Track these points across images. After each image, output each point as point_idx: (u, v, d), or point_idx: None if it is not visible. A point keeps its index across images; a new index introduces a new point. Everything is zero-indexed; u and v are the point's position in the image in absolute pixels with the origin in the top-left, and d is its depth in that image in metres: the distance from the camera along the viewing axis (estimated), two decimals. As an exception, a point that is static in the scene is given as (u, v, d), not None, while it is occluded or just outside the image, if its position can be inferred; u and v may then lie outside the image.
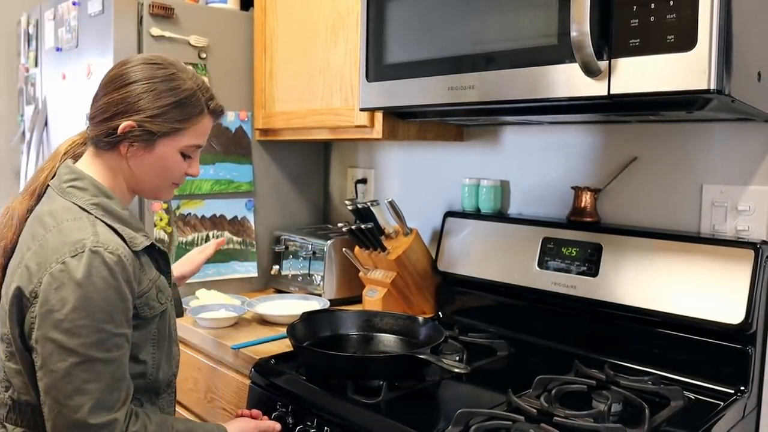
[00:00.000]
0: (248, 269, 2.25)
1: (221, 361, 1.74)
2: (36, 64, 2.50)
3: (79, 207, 1.15)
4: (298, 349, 1.45)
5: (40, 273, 1.07)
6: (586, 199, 1.68)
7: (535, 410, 1.22)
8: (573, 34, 1.15)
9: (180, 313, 1.55)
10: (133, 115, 1.15)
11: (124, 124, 1.15)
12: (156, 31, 1.97)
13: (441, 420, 1.25)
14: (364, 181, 2.41)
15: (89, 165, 1.22)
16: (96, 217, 1.14)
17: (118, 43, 1.93)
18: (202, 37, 2.08)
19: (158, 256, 1.25)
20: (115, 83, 1.18)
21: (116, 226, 1.15)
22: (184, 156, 1.23)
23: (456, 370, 1.29)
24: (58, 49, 2.27)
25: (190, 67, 1.25)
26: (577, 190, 1.70)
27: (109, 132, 1.17)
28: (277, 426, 1.35)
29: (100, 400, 1.05)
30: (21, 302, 1.09)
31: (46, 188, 1.22)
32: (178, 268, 1.60)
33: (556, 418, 1.18)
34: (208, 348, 1.78)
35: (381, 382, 1.34)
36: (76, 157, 1.26)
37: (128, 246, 1.14)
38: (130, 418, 1.10)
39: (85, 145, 1.26)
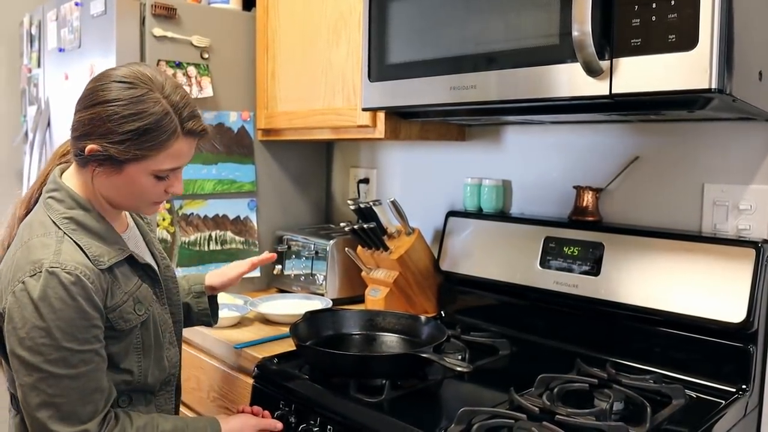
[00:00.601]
0: (251, 269, 2.25)
1: (224, 361, 1.75)
2: (39, 65, 2.51)
3: (52, 221, 1.15)
4: (301, 349, 1.46)
5: (7, 292, 1.10)
6: (588, 198, 1.68)
7: (537, 409, 1.22)
8: (575, 33, 1.16)
9: (208, 322, 1.56)
10: (97, 139, 1.12)
11: (89, 147, 1.12)
12: (158, 31, 1.98)
13: (444, 419, 1.26)
14: (366, 180, 2.41)
15: (72, 176, 1.22)
16: (65, 233, 1.14)
17: (121, 43, 1.93)
18: (204, 38, 2.08)
19: (138, 269, 1.24)
20: (87, 100, 1.15)
21: (84, 242, 1.14)
22: (159, 177, 1.18)
23: (459, 368, 1.30)
24: (60, 50, 2.27)
25: (174, 82, 1.18)
26: (579, 190, 1.70)
27: (78, 152, 1.15)
28: (279, 425, 1.35)
29: (69, 412, 1.07)
30: None
31: (39, 195, 1.24)
32: (209, 278, 1.59)
33: (558, 416, 1.19)
34: (211, 347, 1.78)
35: (384, 381, 1.34)
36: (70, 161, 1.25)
37: (93, 263, 1.13)
38: (108, 423, 1.12)
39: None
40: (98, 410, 1.10)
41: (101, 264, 1.15)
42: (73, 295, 1.08)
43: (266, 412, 1.39)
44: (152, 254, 1.34)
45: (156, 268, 1.29)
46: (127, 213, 1.34)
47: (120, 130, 1.11)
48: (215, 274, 1.60)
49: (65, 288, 1.07)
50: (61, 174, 1.23)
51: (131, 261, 1.22)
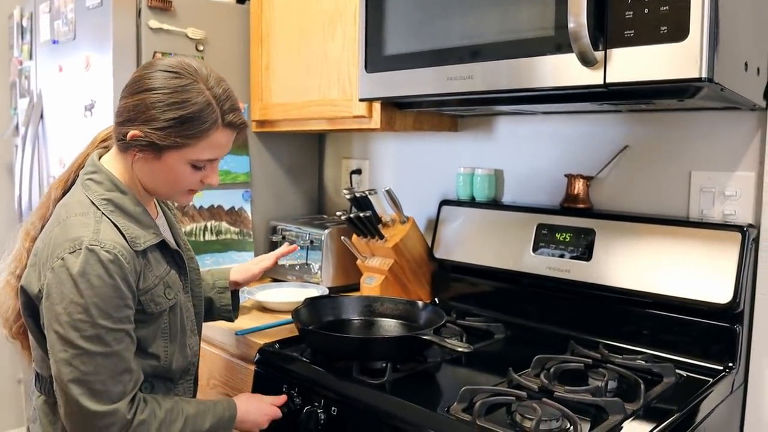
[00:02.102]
0: (246, 259, 2.28)
1: (224, 348, 1.77)
2: (30, 57, 2.51)
3: (91, 201, 1.19)
4: (304, 333, 1.49)
5: (45, 268, 1.12)
6: (579, 186, 1.73)
7: (536, 387, 1.27)
8: (570, 25, 1.20)
9: (229, 317, 1.60)
10: (140, 125, 1.16)
11: (131, 132, 1.17)
12: (154, 23, 1.99)
13: (446, 398, 1.30)
14: (358, 171, 2.45)
15: (111, 160, 1.25)
16: (103, 213, 1.17)
17: (117, 35, 1.95)
18: (199, 30, 2.10)
19: (168, 255, 1.28)
20: (132, 87, 1.19)
21: (121, 223, 1.18)
22: (196, 167, 1.22)
23: (459, 349, 1.34)
24: (54, 42, 2.28)
25: (218, 75, 1.22)
26: (570, 178, 1.75)
27: (121, 137, 1.20)
28: (283, 398, 1.41)
29: (100, 391, 1.09)
30: (30, 299, 1.16)
31: (76, 177, 1.27)
32: (233, 274, 1.62)
33: (556, 393, 1.24)
34: (210, 334, 1.81)
35: (385, 364, 1.38)
36: (109, 147, 1.29)
37: (129, 245, 1.16)
38: (138, 405, 1.14)
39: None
40: (126, 391, 1.13)
41: (137, 246, 1.18)
42: (111, 273, 1.11)
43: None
44: (177, 244, 1.37)
45: (183, 255, 1.33)
46: (156, 201, 1.36)
47: (162, 117, 1.15)
48: (239, 270, 1.63)
49: (104, 266, 1.10)
50: (99, 158, 1.26)
51: (162, 246, 1.26)
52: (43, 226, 1.24)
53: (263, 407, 1.37)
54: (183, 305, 1.30)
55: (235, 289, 1.62)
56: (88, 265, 1.09)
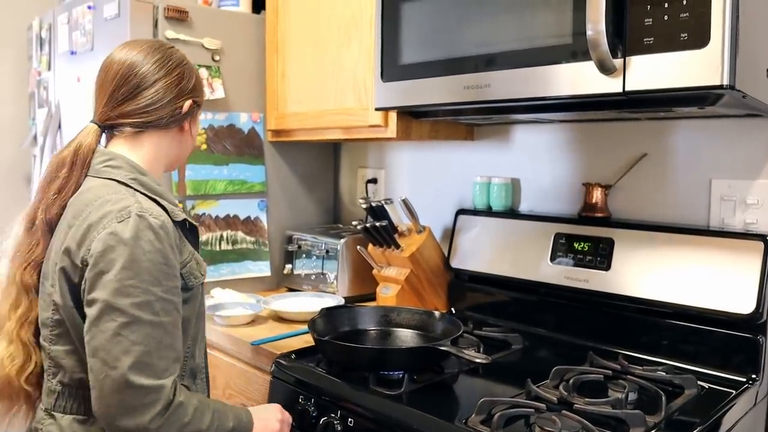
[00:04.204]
0: (261, 268, 2.28)
1: (239, 358, 1.77)
2: (49, 68, 2.53)
3: (117, 181, 1.19)
4: (320, 343, 1.48)
5: (89, 240, 1.10)
6: (597, 195, 1.72)
7: (555, 398, 1.25)
8: (589, 32, 1.19)
9: None
10: (189, 93, 1.28)
11: (188, 103, 1.28)
12: (171, 33, 2.01)
13: (463, 409, 1.28)
14: (374, 180, 2.44)
15: (120, 149, 1.26)
16: (135, 189, 1.19)
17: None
18: (215, 40, 2.11)
19: (188, 233, 1.28)
20: (167, 65, 1.25)
21: (156, 198, 1.20)
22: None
23: (478, 360, 1.33)
24: (72, 53, 2.30)
25: None
26: (588, 187, 1.73)
27: (174, 112, 1.27)
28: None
29: (147, 363, 1.06)
30: (71, 274, 1.12)
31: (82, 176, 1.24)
32: None
33: (576, 405, 1.22)
34: (226, 345, 1.81)
35: (401, 375, 1.37)
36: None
37: (168, 215, 1.18)
38: (176, 389, 1.10)
39: (107, 136, 1.28)
40: (170, 369, 1.09)
41: (176, 217, 1.21)
42: (160, 239, 1.11)
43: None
44: None
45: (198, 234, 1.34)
46: None
47: (197, 79, 1.32)
48: None
49: (154, 231, 1.11)
50: None
51: (182, 227, 1.25)
52: (40, 259, 1.21)
53: (275, 412, 1.33)
54: (202, 288, 1.30)
55: None
56: (140, 231, 1.09)
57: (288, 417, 1.35)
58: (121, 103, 1.23)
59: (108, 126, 1.26)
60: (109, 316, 1.06)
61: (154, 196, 1.20)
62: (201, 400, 1.16)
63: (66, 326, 1.15)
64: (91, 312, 1.07)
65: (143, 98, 1.23)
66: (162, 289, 1.10)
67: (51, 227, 1.22)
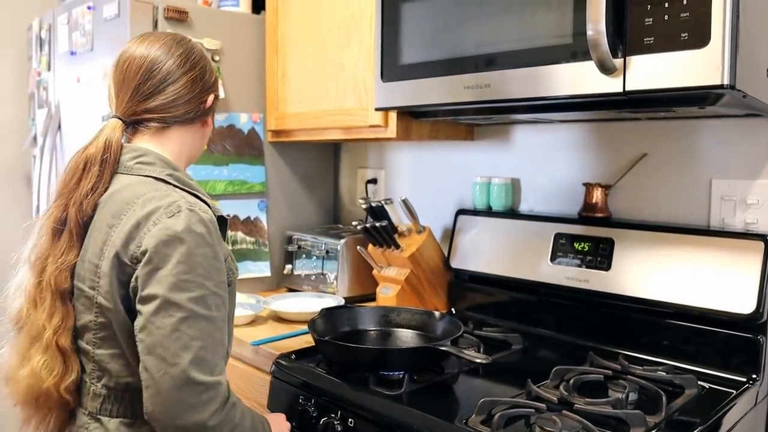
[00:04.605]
0: (261, 269, 2.28)
1: (240, 358, 1.77)
2: (48, 68, 2.53)
3: (154, 178, 1.18)
4: (320, 343, 1.48)
5: (138, 238, 1.08)
6: (597, 195, 1.72)
7: (555, 399, 1.25)
8: (589, 33, 1.19)
9: None
10: (212, 87, 1.29)
11: (211, 97, 1.28)
12: (171, 34, 2.00)
13: (464, 409, 1.28)
14: (374, 181, 2.44)
15: (147, 144, 1.23)
16: (174, 185, 1.18)
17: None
18: (215, 40, 2.11)
19: (222, 228, 1.24)
20: (189, 61, 1.24)
21: (197, 193, 1.19)
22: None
23: (478, 360, 1.32)
24: (72, 53, 2.30)
25: None
26: (588, 187, 1.73)
27: (200, 107, 1.27)
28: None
29: (204, 359, 1.04)
30: (119, 272, 1.10)
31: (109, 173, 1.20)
32: None
33: (576, 405, 1.22)
34: (227, 345, 1.81)
35: (401, 375, 1.37)
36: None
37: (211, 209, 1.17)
38: (230, 387, 1.10)
39: (128, 133, 1.25)
40: (219, 366, 1.08)
41: (217, 211, 1.21)
42: (210, 233, 1.11)
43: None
44: None
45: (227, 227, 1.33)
46: None
47: (214, 75, 1.31)
48: None
49: (205, 225, 1.10)
50: None
51: (220, 221, 1.23)
52: (73, 262, 1.16)
53: (284, 423, 1.34)
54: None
55: None
56: (192, 224, 1.08)
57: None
58: (148, 98, 1.21)
59: (133, 121, 1.23)
60: (167, 311, 1.04)
61: (193, 191, 1.19)
62: (240, 401, 1.15)
63: (112, 329, 1.13)
64: (146, 309, 1.05)
65: (170, 93, 1.21)
66: (213, 283, 1.09)
67: (85, 228, 1.17)
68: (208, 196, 1.23)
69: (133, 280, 1.08)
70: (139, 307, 1.06)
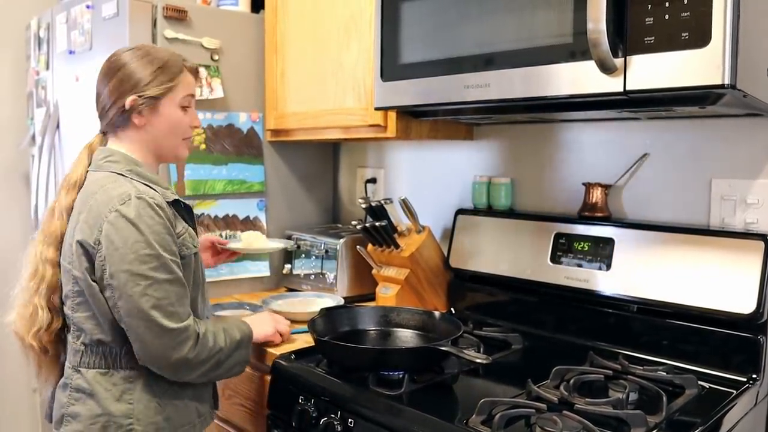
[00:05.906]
0: (260, 269, 2.28)
1: (239, 358, 1.76)
2: (47, 67, 2.52)
3: (116, 173, 1.38)
4: (320, 343, 1.48)
5: (98, 224, 1.30)
6: (597, 194, 1.71)
7: (556, 399, 1.25)
8: (589, 32, 1.18)
9: None
10: (131, 92, 1.38)
11: (129, 99, 1.38)
12: (170, 33, 2.00)
13: (464, 410, 1.28)
14: (374, 180, 2.44)
15: (116, 145, 1.44)
16: (131, 178, 1.37)
17: (133, 44, 1.95)
18: (214, 39, 2.11)
19: (184, 212, 1.44)
20: (108, 73, 1.41)
21: (149, 184, 1.38)
22: (184, 108, 1.45)
23: (478, 360, 1.32)
24: (71, 52, 2.29)
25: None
26: (588, 186, 1.73)
27: (121, 111, 1.39)
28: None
29: (173, 312, 1.30)
30: (87, 252, 1.31)
31: (86, 175, 1.43)
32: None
33: (576, 405, 1.22)
34: (226, 345, 1.80)
35: (401, 375, 1.37)
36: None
37: (162, 196, 1.37)
38: (197, 323, 1.36)
39: (105, 138, 1.47)
40: (188, 311, 1.35)
41: (167, 198, 1.38)
42: (159, 213, 1.32)
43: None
44: None
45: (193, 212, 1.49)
46: None
47: (146, 74, 1.39)
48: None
49: (153, 209, 1.31)
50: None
51: (176, 207, 1.41)
52: (56, 239, 1.40)
53: (269, 321, 1.63)
54: (200, 259, 1.47)
55: None
56: (142, 209, 1.30)
57: (283, 327, 1.65)
58: (97, 110, 1.45)
59: (102, 130, 1.47)
60: (135, 281, 1.27)
61: (148, 183, 1.38)
62: (211, 325, 1.40)
63: (85, 296, 1.34)
64: (116, 282, 1.28)
65: (101, 103, 1.43)
66: (169, 253, 1.32)
67: (68, 213, 1.40)
68: (165, 187, 1.43)
69: (97, 261, 1.30)
70: (109, 281, 1.29)
